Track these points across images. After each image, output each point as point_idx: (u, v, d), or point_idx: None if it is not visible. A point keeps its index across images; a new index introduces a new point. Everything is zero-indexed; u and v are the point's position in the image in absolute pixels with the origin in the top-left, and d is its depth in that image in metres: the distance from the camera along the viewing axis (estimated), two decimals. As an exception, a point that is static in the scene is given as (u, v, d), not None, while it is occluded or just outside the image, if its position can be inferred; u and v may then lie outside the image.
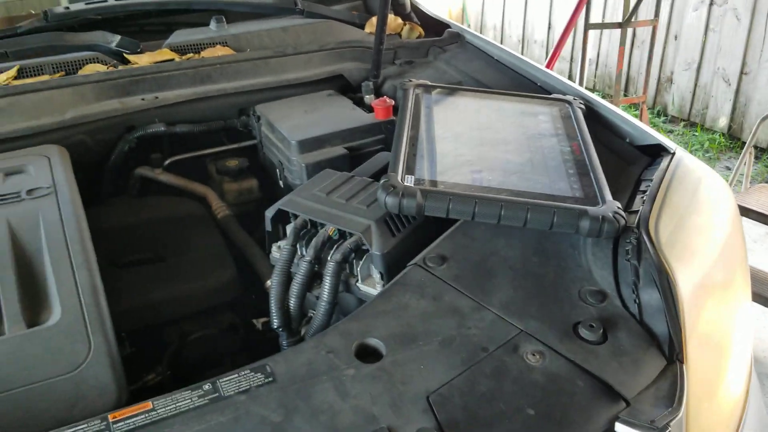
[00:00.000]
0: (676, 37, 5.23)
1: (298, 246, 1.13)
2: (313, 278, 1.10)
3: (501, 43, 7.23)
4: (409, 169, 1.09)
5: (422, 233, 1.12)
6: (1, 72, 1.48)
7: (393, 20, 1.91)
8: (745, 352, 1.09)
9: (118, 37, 1.58)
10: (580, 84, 4.58)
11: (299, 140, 1.38)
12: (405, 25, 1.93)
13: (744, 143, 4.80)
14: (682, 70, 5.26)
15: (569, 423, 0.82)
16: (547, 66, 4.19)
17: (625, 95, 5.55)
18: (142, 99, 1.49)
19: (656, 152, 1.28)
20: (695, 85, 5.17)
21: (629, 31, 4.91)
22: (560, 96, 1.43)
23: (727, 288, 1.08)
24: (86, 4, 1.62)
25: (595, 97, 1.46)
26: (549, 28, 6.54)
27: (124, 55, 1.58)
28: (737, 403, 1.05)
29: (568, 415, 0.83)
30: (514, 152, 1.19)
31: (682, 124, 5.32)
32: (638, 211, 1.07)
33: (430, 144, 1.19)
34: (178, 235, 1.34)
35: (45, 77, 1.49)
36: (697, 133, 5.09)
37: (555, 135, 1.28)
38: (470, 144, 1.21)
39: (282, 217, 1.18)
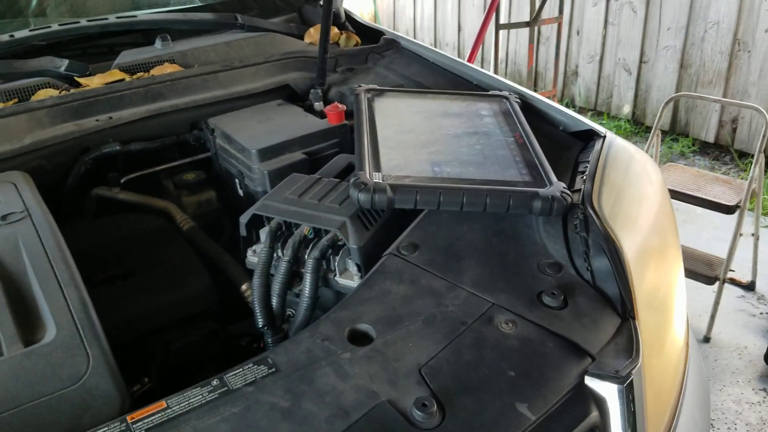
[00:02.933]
0: (578, 32, 5.55)
1: (274, 247, 1.19)
2: (292, 277, 1.17)
3: (414, 46, 7.43)
4: (376, 167, 1.17)
5: (391, 225, 1.21)
6: (-46, 105, 1.47)
7: (330, 30, 1.99)
8: (682, 308, 1.23)
9: (66, 61, 1.59)
10: (496, 81, 4.79)
11: (259, 149, 1.43)
12: (342, 34, 2.01)
13: (647, 127, 5.15)
14: (586, 63, 5.58)
15: (546, 380, 0.92)
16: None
17: (534, 90, 5.83)
18: (97, 120, 1.51)
19: (588, 137, 1.42)
20: (599, 76, 5.50)
21: (536, 29, 5.17)
22: (497, 92, 1.55)
23: (664, 252, 1.22)
24: (30, 30, 1.61)
25: (527, 91, 1.59)
26: (459, 30, 6.78)
27: (75, 78, 1.59)
28: (680, 353, 1.19)
29: (544, 373, 0.93)
30: (466, 146, 1.30)
31: (590, 113, 5.65)
32: (581, 189, 1.20)
33: (389, 143, 1.27)
34: (147, 250, 1.36)
35: (-1, 105, 1.49)
36: (604, 122, 5.42)
37: (498, 128, 1.39)
38: (426, 141, 1.31)
39: (255, 223, 1.24)
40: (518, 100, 1.51)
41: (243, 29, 1.86)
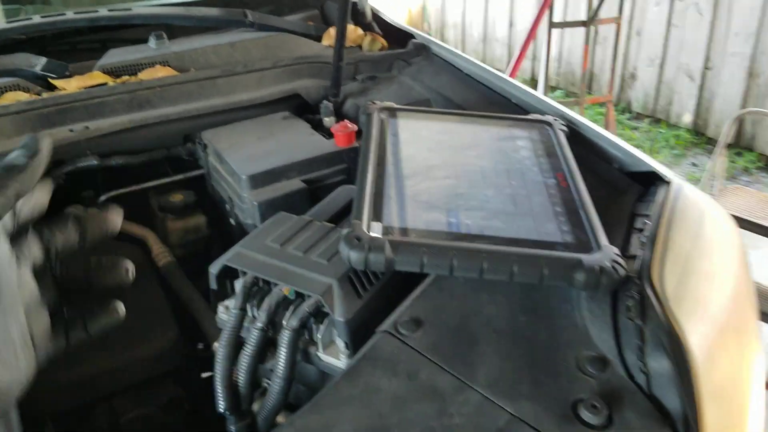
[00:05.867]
0: (638, 33, 5.18)
1: (248, 307, 0.96)
2: (267, 345, 0.94)
3: (462, 41, 7.13)
4: (376, 215, 0.93)
5: (391, 287, 0.97)
6: None
7: (353, 31, 1.75)
8: (760, 401, 0.96)
9: (44, 60, 1.38)
10: (545, 83, 4.49)
11: (250, 174, 1.21)
12: (366, 36, 1.77)
13: (709, 138, 4.77)
14: (645, 67, 5.21)
15: None
16: (515, 66, 4.08)
17: (589, 93, 5.48)
18: (71, 130, 1.30)
19: (648, 179, 1.16)
20: (659, 81, 5.13)
21: (592, 28, 4.84)
22: (539, 117, 1.29)
23: (740, 334, 0.96)
24: (8, 22, 1.41)
25: (576, 116, 1.32)
26: (510, 25, 6.46)
27: (50, 80, 1.39)
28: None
29: None
30: (494, 188, 1.05)
31: (647, 120, 5.29)
32: (637, 256, 0.94)
33: (398, 181, 1.03)
34: None
35: (-46, 110, 1.29)
36: (663, 130, 5.06)
37: (537, 164, 1.14)
38: (444, 180, 1.07)
39: (230, 271, 1.02)
40: (564, 128, 1.25)
41: (253, 28, 1.63)
